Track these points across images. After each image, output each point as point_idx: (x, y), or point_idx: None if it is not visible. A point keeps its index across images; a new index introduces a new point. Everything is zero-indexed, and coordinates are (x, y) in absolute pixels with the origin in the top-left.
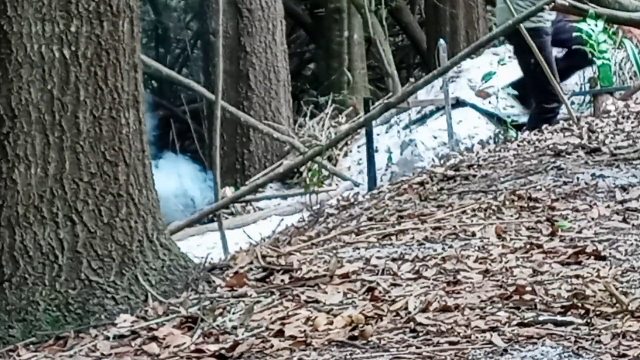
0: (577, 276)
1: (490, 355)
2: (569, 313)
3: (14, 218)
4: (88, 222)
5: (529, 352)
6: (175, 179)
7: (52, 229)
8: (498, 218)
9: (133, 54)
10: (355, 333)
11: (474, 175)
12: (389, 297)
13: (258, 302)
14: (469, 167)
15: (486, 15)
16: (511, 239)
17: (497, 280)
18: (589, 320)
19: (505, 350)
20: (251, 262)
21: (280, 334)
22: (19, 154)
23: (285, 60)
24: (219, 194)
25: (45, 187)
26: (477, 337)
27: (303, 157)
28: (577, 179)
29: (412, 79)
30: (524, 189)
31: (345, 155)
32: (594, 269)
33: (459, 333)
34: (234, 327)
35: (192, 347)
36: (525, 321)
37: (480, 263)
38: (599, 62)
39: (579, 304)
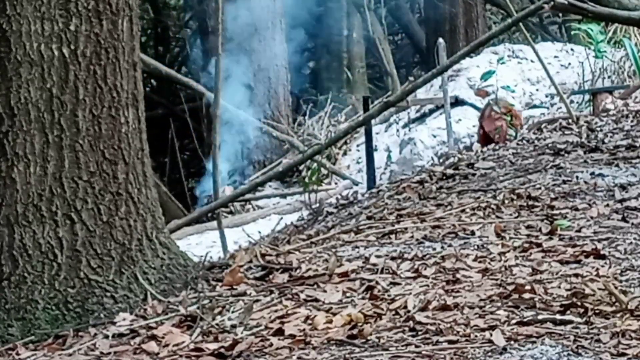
0: (576, 275)
1: (490, 354)
2: (568, 312)
3: (13, 217)
4: (87, 221)
5: (528, 350)
6: None
7: (51, 227)
8: (497, 217)
9: (132, 53)
10: (355, 332)
11: (473, 174)
12: (388, 295)
13: (257, 300)
14: (468, 165)
15: (485, 14)
16: (510, 238)
17: (497, 279)
18: (588, 319)
19: (504, 349)
20: (250, 261)
21: (279, 332)
22: (18, 152)
23: (285, 59)
24: (218, 192)
25: (45, 185)
26: (476, 336)
27: (302, 156)
28: (577, 177)
29: (411, 78)
30: (524, 188)
31: (345, 154)
32: (593, 267)
33: (458, 332)
34: (233, 326)
35: (192, 346)
36: (525, 320)
37: (480, 262)
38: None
39: (579, 303)
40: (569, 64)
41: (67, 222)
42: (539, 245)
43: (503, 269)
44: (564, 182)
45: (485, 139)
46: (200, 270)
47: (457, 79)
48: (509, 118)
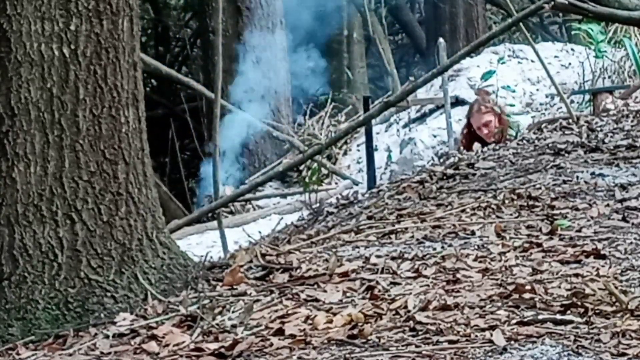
0: (576, 275)
1: (490, 354)
2: (569, 312)
3: (13, 216)
4: (87, 221)
5: (529, 350)
6: None
7: (51, 227)
8: (497, 217)
9: (133, 53)
10: (355, 332)
11: (474, 174)
12: (389, 295)
13: (257, 300)
14: (469, 165)
15: (485, 14)
16: (511, 238)
17: (497, 279)
18: (588, 319)
19: (504, 349)
20: (251, 261)
21: (279, 332)
22: (19, 152)
23: (285, 59)
24: (218, 192)
25: (45, 185)
26: (476, 336)
27: (303, 156)
28: (577, 177)
29: (411, 78)
30: (524, 188)
31: (345, 154)
32: (593, 267)
33: (458, 332)
34: (234, 326)
35: (192, 346)
36: (525, 320)
37: (480, 262)
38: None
39: (579, 303)
40: (569, 64)
41: (68, 222)
42: (539, 245)
43: (503, 268)
44: (564, 182)
45: (469, 138)
46: (201, 270)
47: (458, 78)
48: (508, 118)
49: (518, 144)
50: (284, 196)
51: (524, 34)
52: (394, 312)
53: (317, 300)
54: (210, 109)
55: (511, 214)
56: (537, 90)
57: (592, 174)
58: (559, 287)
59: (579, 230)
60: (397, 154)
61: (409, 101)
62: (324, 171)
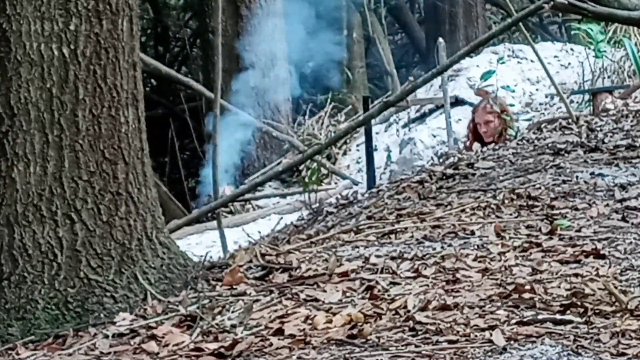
0: (576, 275)
1: (490, 353)
2: (568, 312)
3: (13, 216)
4: (87, 221)
5: (528, 350)
6: None
7: (51, 227)
8: (497, 217)
9: (132, 53)
10: (355, 332)
11: (473, 174)
12: (388, 295)
13: (257, 300)
14: (468, 165)
15: (485, 13)
16: (510, 238)
17: (496, 279)
18: (588, 319)
19: (504, 348)
20: (250, 261)
21: (279, 332)
22: (18, 152)
23: (285, 59)
24: (218, 192)
25: (45, 185)
26: (476, 336)
27: (302, 156)
28: (576, 177)
29: (411, 78)
30: (523, 188)
31: (345, 153)
32: (593, 267)
33: (458, 332)
34: (233, 326)
35: (191, 346)
36: (525, 320)
37: (480, 262)
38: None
39: (578, 303)
40: (569, 63)
41: (67, 222)
42: (538, 245)
43: (503, 268)
44: (564, 182)
45: (475, 132)
46: (200, 270)
47: (457, 78)
48: (508, 118)
49: (518, 144)
50: (283, 196)
51: (523, 34)
52: (393, 312)
53: (316, 300)
54: (210, 109)
55: (511, 214)
56: (537, 90)
57: (592, 173)
58: (559, 287)
59: (579, 230)
60: (397, 154)
61: (409, 101)
62: (324, 171)
